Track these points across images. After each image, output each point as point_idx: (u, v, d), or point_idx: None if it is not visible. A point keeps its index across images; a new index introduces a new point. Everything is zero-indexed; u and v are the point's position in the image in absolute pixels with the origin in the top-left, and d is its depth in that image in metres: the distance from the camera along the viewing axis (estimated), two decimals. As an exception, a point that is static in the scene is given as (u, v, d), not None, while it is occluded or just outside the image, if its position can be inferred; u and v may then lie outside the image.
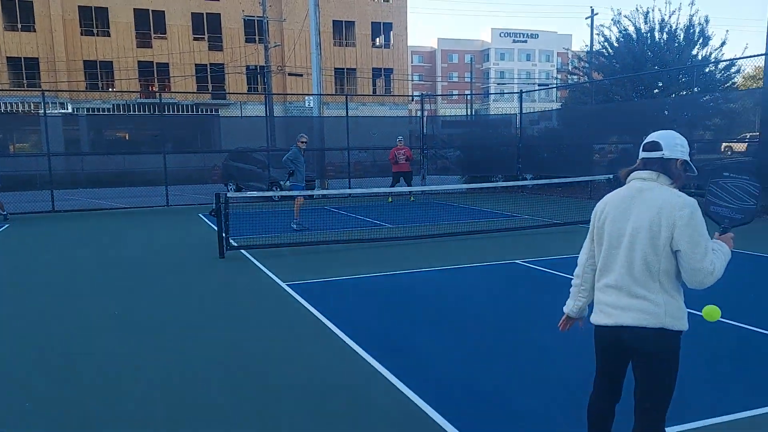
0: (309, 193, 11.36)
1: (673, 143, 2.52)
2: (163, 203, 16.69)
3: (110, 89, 39.91)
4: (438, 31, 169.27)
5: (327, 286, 6.96)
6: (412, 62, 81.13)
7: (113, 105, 38.95)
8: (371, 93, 45.82)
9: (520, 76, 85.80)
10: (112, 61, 39.75)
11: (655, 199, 2.44)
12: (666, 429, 2.53)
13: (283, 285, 7.01)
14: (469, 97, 33.93)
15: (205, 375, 4.34)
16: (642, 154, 2.58)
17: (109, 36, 39.91)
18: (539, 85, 57.81)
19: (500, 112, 29.16)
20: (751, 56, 14.47)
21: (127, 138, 24.19)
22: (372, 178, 22.30)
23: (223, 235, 8.81)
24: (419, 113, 20.28)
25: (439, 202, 16.51)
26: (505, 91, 59.40)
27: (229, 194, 9.15)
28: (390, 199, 17.19)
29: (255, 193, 10.66)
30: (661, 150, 2.51)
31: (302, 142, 11.36)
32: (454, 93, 61.11)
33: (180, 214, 14.92)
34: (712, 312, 2.57)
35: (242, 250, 9.18)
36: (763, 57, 13.25)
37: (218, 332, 5.33)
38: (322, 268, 7.94)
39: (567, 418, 3.53)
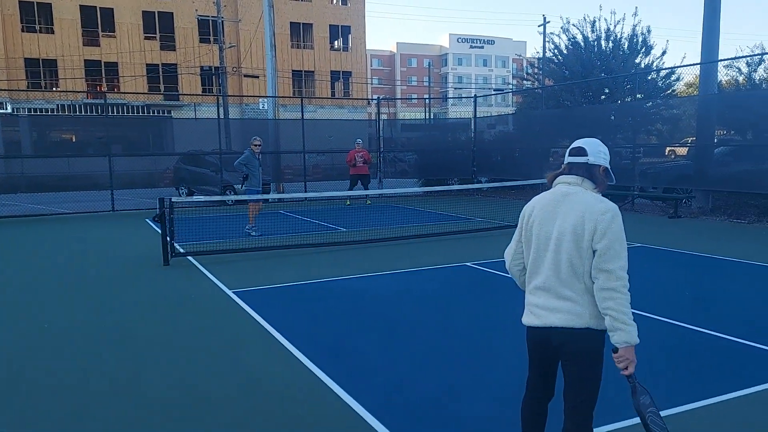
0: (263, 197, 11.19)
1: (597, 150, 2.63)
2: (108, 208, 16.19)
3: (54, 89, 38.53)
4: (397, 35, 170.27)
5: (275, 293, 6.88)
6: (371, 66, 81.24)
7: (57, 105, 37.63)
8: (329, 96, 45.67)
9: (478, 81, 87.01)
10: (56, 60, 38.40)
11: (579, 203, 2.53)
12: (606, 427, 2.62)
13: (229, 292, 6.88)
14: (427, 101, 34.10)
15: (139, 389, 4.22)
16: (568, 159, 2.68)
17: (53, 33, 38.54)
18: (494, 90, 58.72)
19: (458, 116, 29.49)
20: (689, 65, 15.13)
21: (74, 140, 23.35)
22: (329, 181, 22.21)
23: (168, 241, 8.60)
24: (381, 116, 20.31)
25: (395, 206, 16.56)
26: (462, 96, 60.10)
27: (174, 199, 8.93)
28: (348, 202, 17.14)
29: (201, 198, 10.45)
30: (587, 156, 2.61)
31: (255, 145, 11.20)
32: (413, 97, 61.56)
33: (126, 220, 14.51)
34: None
35: (189, 257, 8.98)
36: (699, 66, 13.81)
37: (154, 344, 5.19)
38: (272, 274, 7.84)
39: (509, 424, 3.54)
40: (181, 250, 9.33)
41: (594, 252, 2.47)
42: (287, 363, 4.62)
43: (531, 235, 2.68)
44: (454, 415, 3.69)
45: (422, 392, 4.02)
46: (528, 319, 2.69)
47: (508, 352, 4.75)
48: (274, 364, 4.61)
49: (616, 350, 2.46)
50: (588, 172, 2.60)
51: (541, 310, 2.60)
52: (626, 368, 2.48)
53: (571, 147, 2.68)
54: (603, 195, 2.63)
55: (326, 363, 4.56)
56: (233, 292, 6.86)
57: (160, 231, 8.70)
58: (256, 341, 5.17)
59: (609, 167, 2.67)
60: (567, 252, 2.51)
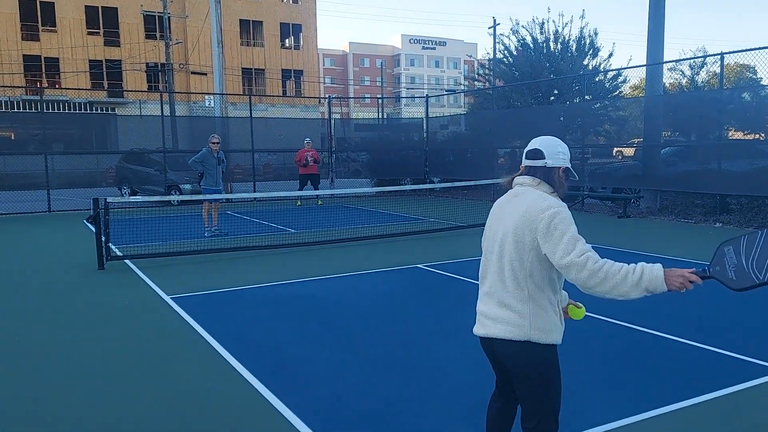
0: (216, 197, 10.64)
1: (555, 151, 2.45)
2: (44, 209, 15.29)
3: (-12, 84, 36.55)
4: (349, 34, 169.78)
5: (216, 299, 6.49)
6: (323, 65, 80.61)
7: (-8, 101, 35.69)
8: (280, 94, 44.95)
9: (430, 81, 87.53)
10: (-8, 54, 36.46)
11: (522, 204, 2.37)
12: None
13: (166, 298, 6.45)
14: (380, 101, 33.84)
15: (54, 411, 3.80)
16: (525, 162, 2.51)
17: (-12, 26, 36.59)
18: (446, 90, 59.19)
19: (411, 117, 29.46)
20: (635, 66, 15.43)
21: (12, 137, 22.16)
22: (280, 181, 21.72)
23: (103, 244, 8.07)
24: (332, 116, 19.98)
25: (347, 206, 16.27)
26: (415, 96, 60.26)
27: (110, 199, 8.39)
28: (299, 203, 16.72)
29: (140, 198, 9.92)
30: (544, 159, 2.44)
31: (213, 143, 10.72)
32: (366, 96, 61.29)
33: (61, 221, 13.72)
34: (574, 312, 2.55)
35: (126, 260, 8.46)
36: (645, 68, 14.10)
37: (76, 357, 4.75)
38: (214, 279, 7.43)
39: (455, 436, 3.34)
40: (119, 253, 8.79)
41: (545, 255, 2.27)
42: (224, 375, 4.27)
43: (483, 238, 2.55)
44: (401, 428, 3.44)
45: (368, 404, 3.76)
46: (476, 327, 2.52)
47: (460, 360, 4.54)
48: (211, 377, 4.26)
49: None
50: (546, 175, 2.43)
51: (486, 319, 2.43)
52: (687, 287, 2.14)
53: (527, 149, 2.50)
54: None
55: (266, 374, 4.24)
56: (171, 298, 6.43)
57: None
58: (192, 352, 4.79)
59: (570, 165, 2.50)
60: (509, 255, 2.34)
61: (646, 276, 2.13)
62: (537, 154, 2.44)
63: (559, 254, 2.22)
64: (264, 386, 4.04)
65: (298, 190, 15.96)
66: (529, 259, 2.31)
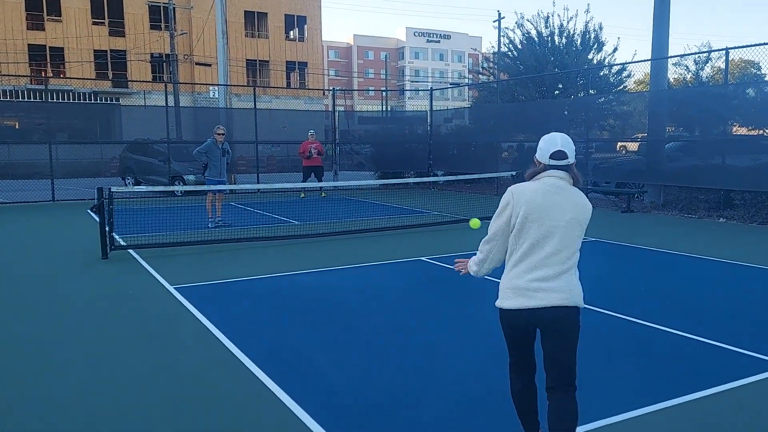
0: (220, 188, 10.64)
1: (572, 149, 2.82)
2: (48, 198, 15.34)
3: (-5, 73, 36.61)
4: (354, 27, 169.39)
5: (220, 289, 6.51)
6: (328, 57, 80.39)
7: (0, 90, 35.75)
8: (285, 86, 44.87)
9: (434, 75, 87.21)
10: (-2, 43, 36.48)
11: (572, 197, 2.78)
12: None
13: (169, 288, 6.48)
14: (384, 93, 33.74)
15: (57, 399, 3.83)
16: (551, 162, 2.78)
17: (-5, 16, 36.60)
18: (450, 84, 59.00)
19: (415, 110, 29.42)
20: (640, 61, 15.36)
21: (17, 126, 22.20)
22: (284, 173, 21.72)
23: (107, 233, 8.10)
24: (336, 108, 19.97)
25: (351, 198, 16.28)
26: (419, 89, 60.15)
27: (114, 189, 8.41)
28: (303, 195, 16.69)
29: (143, 188, 9.93)
30: (568, 158, 2.79)
31: (218, 134, 10.72)
32: (370, 89, 61.08)
33: (65, 210, 13.77)
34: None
35: (130, 250, 8.50)
36: (649, 63, 14.02)
37: (79, 346, 4.79)
38: (218, 269, 7.46)
39: (465, 430, 3.34)
40: (122, 243, 8.83)
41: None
42: (226, 365, 4.30)
43: (527, 221, 2.75)
44: (404, 421, 3.46)
45: (370, 395, 3.79)
46: (519, 301, 2.74)
47: (462, 352, 4.56)
48: (213, 366, 4.29)
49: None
50: (570, 170, 2.81)
51: (536, 291, 2.72)
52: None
53: (552, 151, 2.78)
54: None
55: (269, 365, 4.26)
56: (174, 288, 6.46)
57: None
58: (195, 342, 4.82)
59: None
60: (562, 240, 2.73)
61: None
62: (562, 155, 2.78)
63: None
64: (266, 375, 4.06)
65: (302, 182, 15.98)
66: (576, 242, 2.77)
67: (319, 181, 16.00)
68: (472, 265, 3.05)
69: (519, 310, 2.75)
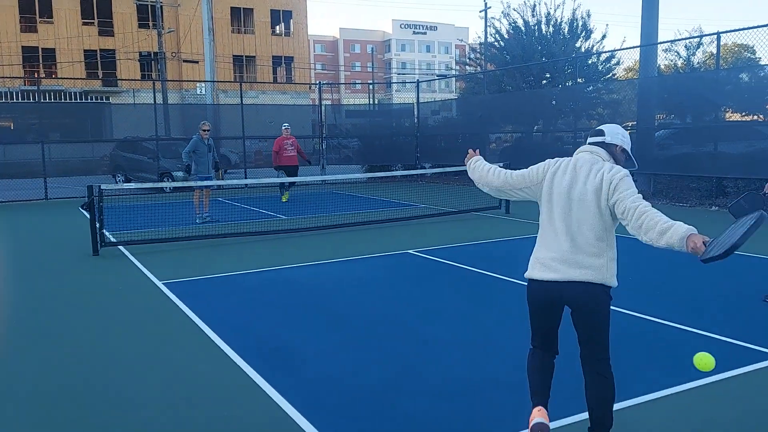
0: (207, 184, 10.58)
1: (614, 132, 2.92)
2: (41, 196, 15.31)
3: (-11, 76, 36.35)
4: (340, 20, 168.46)
5: (209, 284, 6.52)
6: (314, 51, 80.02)
7: (-6, 93, 35.49)
8: (271, 81, 44.68)
9: (421, 67, 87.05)
10: (-8, 46, 36.27)
11: (598, 167, 2.79)
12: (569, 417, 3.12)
13: (159, 283, 6.48)
14: (371, 86, 33.68)
15: (46, 392, 3.84)
16: (588, 140, 2.95)
17: (-12, 19, 36.36)
18: (437, 75, 58.93)
19: (402, 102, 29.41)
20: (629, 48, 15.27)
21: (12, 127, 22.11)
22: (269, 168, 21.63)
23: (98, 230, 8.09)
24: (322, 102, 19.90)
25: (338, 192, 16.27)
26: (406, 81, 60.07)
27: (104, 186, 8.40)
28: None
29: (133, 185, 9.91)
30: (604, 135, 2.90)
31: (204, 130, 10.70)
32: (356, 82, 60.85)
33: (58, 208, 13.72)
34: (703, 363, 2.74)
35: (120, 247, 8.49)
36: (638, 49, 13.98)
37: (68, 341, 4.79)
38: (207, 264, 7.46)
39: (453, 420, 3.34)
40: (113, 240, 8.82)
41: (612, 210, 2.71)
42: (214, 359, 4.32)
43: (554, 193, 2.85)
44: (391, 413, 3.48)
45: (358, 387, 3.81)
46: (542, 273, 2.82)
47: (450, 342, 4.60)
48: (201, 360, 4.30)
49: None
50: (606, 149, 2.87)
51: (562, 265, 2.76)
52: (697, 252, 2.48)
53: (591, 130, 2.99)
54: None
55: (257, 359, 4.27)
56: (164, 284, 6.46)
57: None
58: (183, 336, 4.84)
59: (629, 151, 2.92)
60: (577, 212, 2.76)
61: (671, 232, 2.51)
62: (598, 132, 2.93)
63: (623, 198, 2.65)
64: (253, 369, 4.07)
65: (280, 183, 13.53)
66: (597, 219, 2.74)
67: (292, 183, 13.84)
68: (476, 166, 3.31)
69: (539, 281, 2.83)
